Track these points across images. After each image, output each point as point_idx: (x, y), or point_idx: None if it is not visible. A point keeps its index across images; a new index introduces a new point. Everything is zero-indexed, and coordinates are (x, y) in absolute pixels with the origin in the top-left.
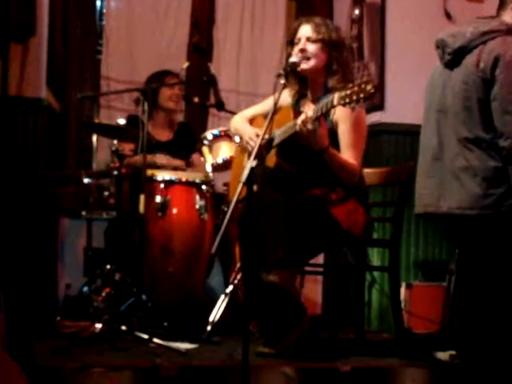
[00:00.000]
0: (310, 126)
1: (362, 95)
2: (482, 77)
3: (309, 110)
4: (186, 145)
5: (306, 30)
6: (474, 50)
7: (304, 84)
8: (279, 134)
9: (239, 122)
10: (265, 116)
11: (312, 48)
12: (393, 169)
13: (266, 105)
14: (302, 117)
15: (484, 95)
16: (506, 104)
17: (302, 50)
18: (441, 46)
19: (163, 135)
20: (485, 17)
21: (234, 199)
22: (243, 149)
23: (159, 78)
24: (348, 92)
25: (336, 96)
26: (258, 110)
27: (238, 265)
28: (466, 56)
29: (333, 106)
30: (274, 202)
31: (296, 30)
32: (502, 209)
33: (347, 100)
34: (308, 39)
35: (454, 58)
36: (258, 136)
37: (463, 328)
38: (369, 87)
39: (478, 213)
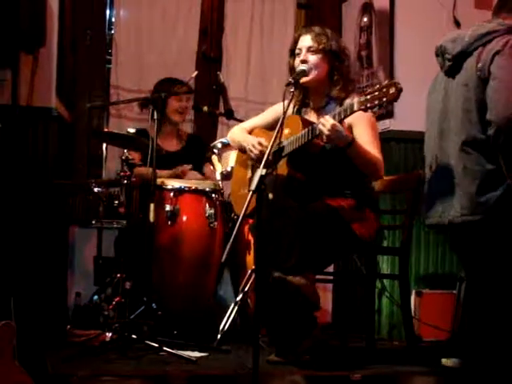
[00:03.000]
0: (331, 129)
1: (384, 99)
2: (480, 76)
3: (323, 119)
4: (196, 157)
5: (306, 41)
6: (474, 53)
7: (306, 93)
8: (289, 143)
9: (238, 134)
10: (265, 127)
11: (313, 58)
12: (403, 176)
13: (265, 116)
14: (322, 121)
15: (482, 94)
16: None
17: (304, 61)
18: (440, 52)
19: (171, 146)
20: (484, 21)
21: (244, 207)
22: (243, 160)
23: (167, 87)
24: (368, 97)
25: (356, 101)
26: (256, 121)
27: (249, 272)
28: (467, 60)
29: (353, 112)
30: (288, 211)
31: (296, 41)
32: (502, 211)
33: (368, 104)
34: (308, 49)
35: (454, 63)
36: (260, 144)
37: (472, 335)
38: (392, 90)
39: (480, 217)
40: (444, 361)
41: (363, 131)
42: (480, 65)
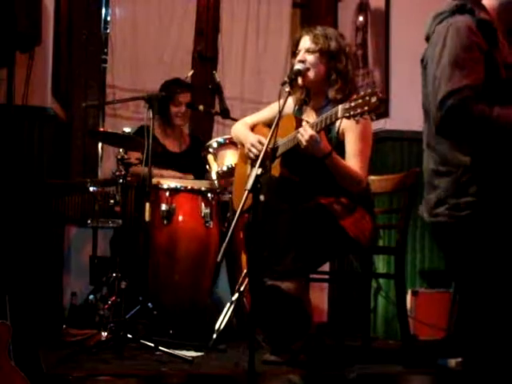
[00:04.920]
0: (309, 140)
1: (366, 108)
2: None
3: (311, 120)
4: (197, 159)
5: (305, 41)
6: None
7: (307, 92)
8: (283, 143)
9: (240, 129)
10: (266, 123)
11: (310, 58)
12: (398, 176)
13: (268, 112)
14: (301, 131)
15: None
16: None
17: (301, 61)
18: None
19: (175, 147)
20: None
21: (240, 207)
22: (245, 156)
23: (170, 89)
24: (352, 104)
25: (340, 108)
26: (259, 116)
27: (245, 271)
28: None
29: (337, 119)
30: (281, 212)
31: (298, 42)
32: (439, 217)
33: (351, 112)
34: (307, 50)
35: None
36: (260, 143)
37: (467, 334)
38: (373, 99)
39: (431, 220)
40: (445, 361)
41: (352, 142)
42: (424, 55)
